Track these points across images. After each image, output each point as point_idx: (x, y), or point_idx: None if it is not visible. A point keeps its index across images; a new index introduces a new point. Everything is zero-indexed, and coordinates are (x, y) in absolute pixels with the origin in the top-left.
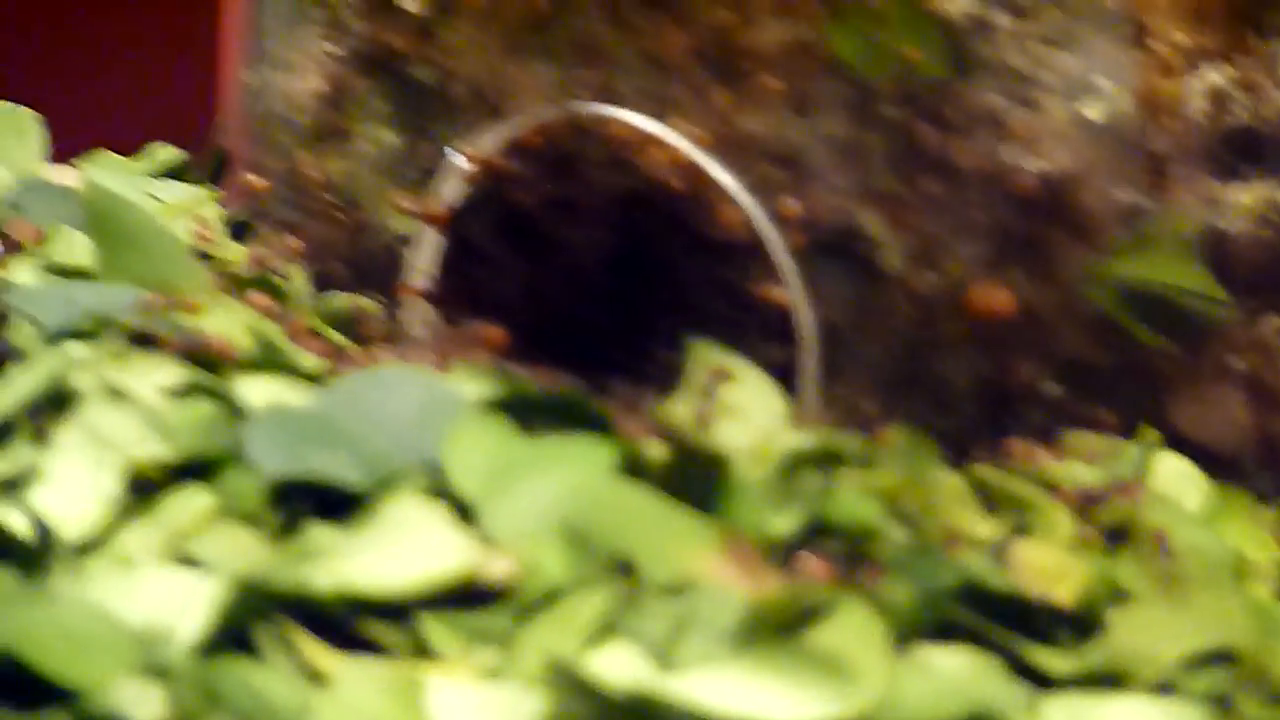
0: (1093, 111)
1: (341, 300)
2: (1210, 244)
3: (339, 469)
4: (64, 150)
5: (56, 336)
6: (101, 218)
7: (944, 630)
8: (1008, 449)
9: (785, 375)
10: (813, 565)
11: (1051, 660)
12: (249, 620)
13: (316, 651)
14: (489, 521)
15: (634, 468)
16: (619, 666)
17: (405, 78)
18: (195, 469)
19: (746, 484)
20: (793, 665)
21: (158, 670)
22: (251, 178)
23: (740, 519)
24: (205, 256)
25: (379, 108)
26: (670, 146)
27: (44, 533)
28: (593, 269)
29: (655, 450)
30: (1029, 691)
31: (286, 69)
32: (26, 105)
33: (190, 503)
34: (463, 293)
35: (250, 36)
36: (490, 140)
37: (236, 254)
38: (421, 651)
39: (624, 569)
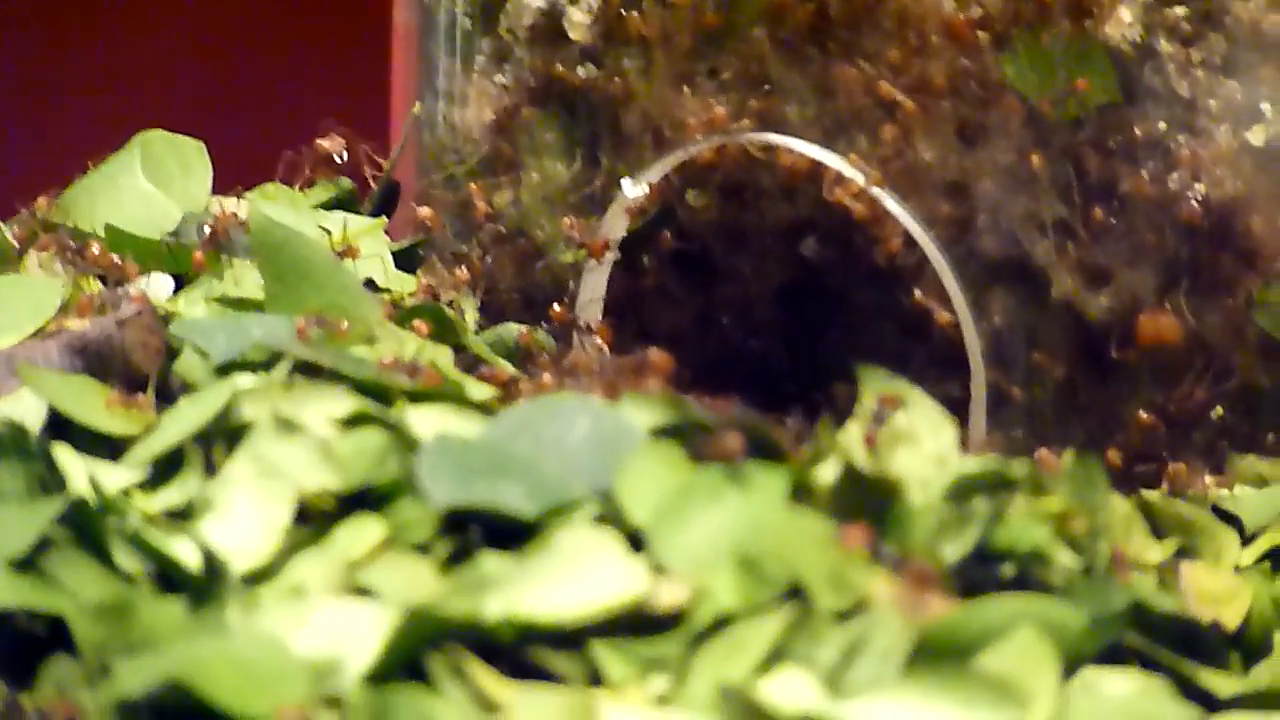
0: (1257, 138)
1: (511, 330)
2: None
3: (510, 498)
4: (234, 182)
5: (225, 368)
6: (269, 249)
7: (1113, 653)
8: (1175, 474)
9: (955, 402)
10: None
11: (1220, 682)
12: (421, 649)
13: (489, 680)
14: (661, 549)
15: (805, 494)
16: (790, 693)
17: (574, 107)
18: (365, 499)
19: (917, 510)
20: (963, 690)
21: (330, 700)
22: (421, 209)
23: (911, 544)
24: (375, 287)
25: (547, 138)
26: (840, 175)
27: (214, 564)
28: (762, 297)
29: (826, 476)
30: (1197, 714)
31: (456, 101)
32: (199, 137)
33: (361, 533)
34: (633, 321)
35: (420, 69)
36: (659, 169)
37: (406, 285)
38: (594, 679)
39: (795, 595)
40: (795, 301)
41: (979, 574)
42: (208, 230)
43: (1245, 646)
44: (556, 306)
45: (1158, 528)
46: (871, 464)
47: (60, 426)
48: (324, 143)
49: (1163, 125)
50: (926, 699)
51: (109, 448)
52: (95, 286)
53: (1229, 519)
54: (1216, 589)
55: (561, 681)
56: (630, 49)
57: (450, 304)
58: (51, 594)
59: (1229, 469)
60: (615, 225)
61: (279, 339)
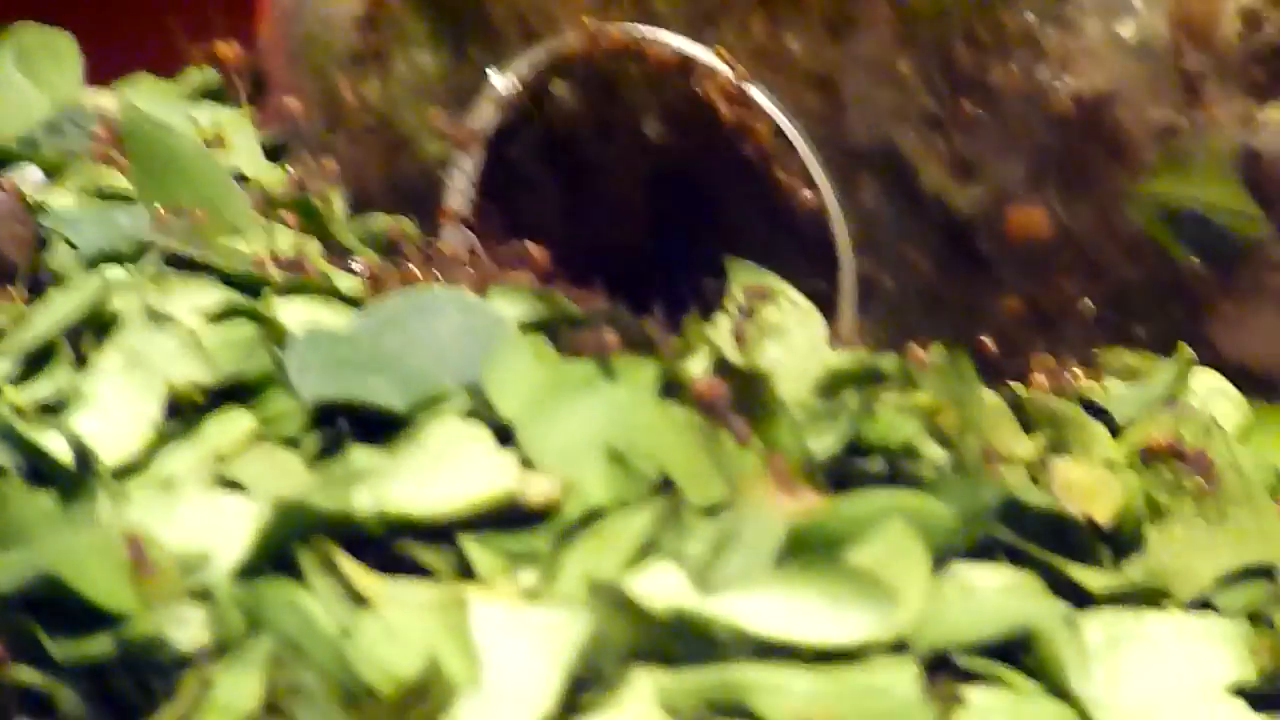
0: (1127, 31)
1: (379, 222)
2: (1245, 163)
3: (379, 392)
4: (102, 74)
5: (95, 260)
6: (139, 141)
7: (984, 548)
8: (1045, 367)
9: (824, 295)
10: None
11: (1090, 577)
12: (290, 543)
13: (358, 574)
14: (530, 443)
15: (674, 388)
16: (660, 587)
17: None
18: (235, 392)
19: (786, 404)
20: (832, 585)
21: (200, 593)
22: (288, 100)
23: (780, 439)
24: (243, 179)
25: (416, 30)
26: (708, 68)
27: (85, 457)
28: (631, 191)
29: (695, 370)
30: (1068, 608)
31: None
32: (63, 29)
33: (230, 426)
34: (502, 215)
35: None
36: (528, 62)
37: (274, 176)
38: (463, 573)
39: (665, 489)
40: (663, 194)
41: (849, 468)
42: (96, 131)
43: (1116, 541)
44: (430, 202)
45: (1027, 422)
46: (741, 358)
47: None
48: (224, 48)
49: (1032, 17)
50: (796, 593)
51: None
52: None
53: (1099, 413)
54: (1087, 483)
55: (430, 575)
56: None
57: (318, 195)
58: None
59: (1098, 362)
60: (483, 117)
61: (147, 230)
